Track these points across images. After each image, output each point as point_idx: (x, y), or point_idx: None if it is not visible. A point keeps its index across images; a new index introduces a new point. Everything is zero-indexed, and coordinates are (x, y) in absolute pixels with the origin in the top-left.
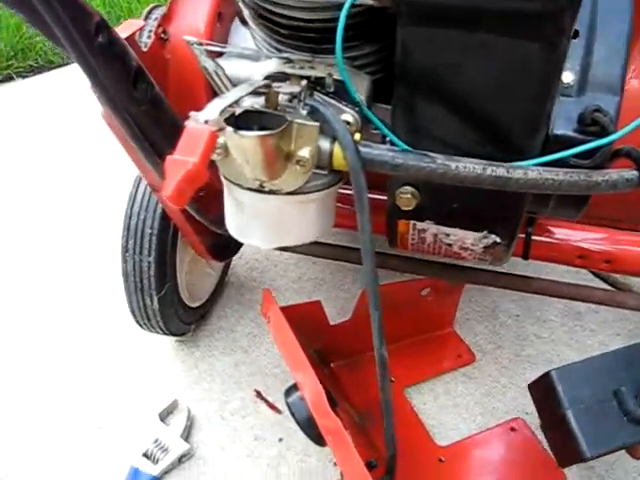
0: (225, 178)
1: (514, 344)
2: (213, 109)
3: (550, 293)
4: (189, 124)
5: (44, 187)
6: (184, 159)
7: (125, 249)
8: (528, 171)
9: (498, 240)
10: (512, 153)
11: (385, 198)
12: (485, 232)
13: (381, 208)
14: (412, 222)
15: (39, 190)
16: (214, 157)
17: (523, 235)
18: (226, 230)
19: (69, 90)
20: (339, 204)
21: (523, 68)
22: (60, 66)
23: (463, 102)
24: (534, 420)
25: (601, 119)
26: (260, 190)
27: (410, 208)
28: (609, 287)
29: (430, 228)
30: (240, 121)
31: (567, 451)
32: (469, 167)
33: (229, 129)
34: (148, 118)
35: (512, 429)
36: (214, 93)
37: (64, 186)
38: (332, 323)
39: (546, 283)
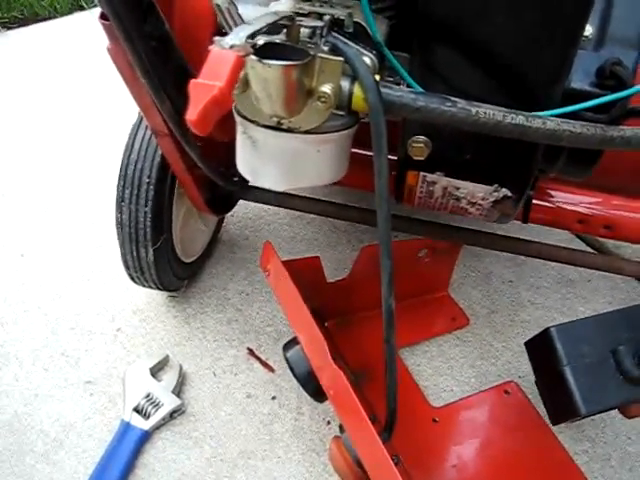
0: (240, 115)
1: (508, 309)
2: (240, 34)
3: (549, 257)
4: (214, 48)
5: (32, 139)
6: (210, 83)
7: (121, 199)
8: (547, 121)
9: (509, 194)
10: (531, 103)
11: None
12: (496, 185)
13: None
14: (422, 174)
15: (28, 142)
16: (234, 92)
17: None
18: (227, 182)
19: (54, 44)
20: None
21: (549, 13)
22: (46, 19)
23: (485, 48)
24: (527, 383)
25: (620, 72)
26: (278, 127)
27: (422, 158)
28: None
29: (440, 181)
30: (262, 53)
31: (562, 408)
32: (489, 113)
33: (253, 57)
34: (156, 56)
35: (505, 392)
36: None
37: (54, 138)
38: (328, 281)
39: (545, 247)
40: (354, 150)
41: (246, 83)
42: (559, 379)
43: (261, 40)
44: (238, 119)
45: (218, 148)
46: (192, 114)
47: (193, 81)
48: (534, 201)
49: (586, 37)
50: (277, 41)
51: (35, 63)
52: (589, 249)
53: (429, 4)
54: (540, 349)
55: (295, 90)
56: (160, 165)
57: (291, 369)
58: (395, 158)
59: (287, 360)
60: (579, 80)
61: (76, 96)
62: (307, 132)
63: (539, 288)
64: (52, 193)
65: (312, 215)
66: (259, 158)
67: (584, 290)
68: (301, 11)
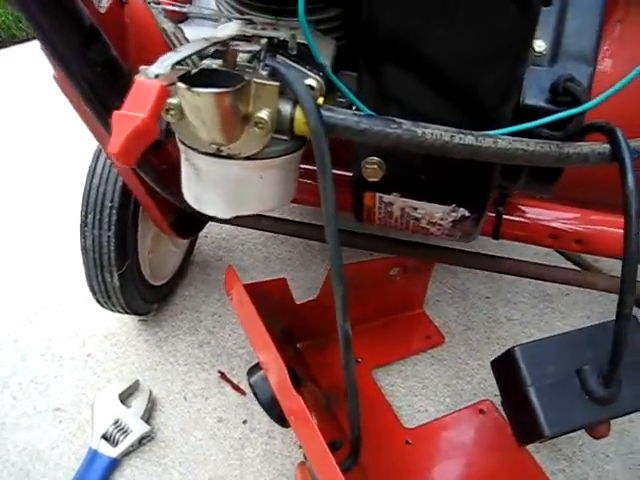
0: (181, 142)
1: (484, 326)
2: (164, 62)
3: (521, 273)
4: (138, 78)
5: (2, 161)
6: (132, 114)
7: (84, 223)
8: (498, 140)
9: (467, 214)
10: (481, 122)
11: (350, 174)
12: (454, 205)
13: (346, 184)
14: (378, 195)
15: None
16: (168, 119)
17: (493, 214)
18: (189, 205)
19: (32, 66)
20: (304, 180)
21: (495, 30)
22: (23, 41)
23: (431, 67)
24: None
25: (574, 89)
26: (217, 154)
27: (376, 179)
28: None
29: (397, 201)
30: (196, 80)
31: (527, 428)
32: (436, 134)
33: (182, 86)
34: (103, 81)
35: (481, 411)
36: None
37: (24, 161)
38: (299, 302)
39: (517, 263)
40: (306, 166)
41: (181, 111)
42: (524, 400)
43: (194, 68)
44: (180, 146)
45: (177, 170)
46: (114, 146)
47: (116, 112)
48: (504, 216)
49: (539, 53)
50: (213, 67)
51: (11, 85)
52: (563, 264)
53: (372, 21)
54: (505, 369)
55: (230, 117)
56: (122, 189)
57: (255, 394)
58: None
59: (251, 385)
60: (534, 96)
61: (48, 118)
62: (248, 158)
63: (516, 304)
64: (22, 215)
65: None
66: (202, 186)
67: (562, 304)
68: (245, 34)
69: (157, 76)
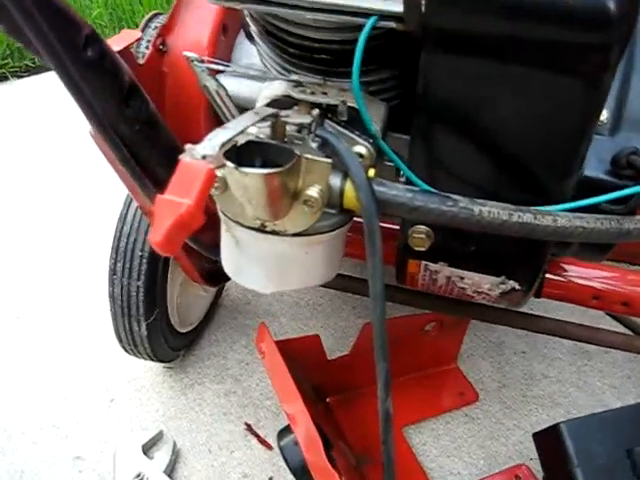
0: (223, 214)
1: (520, 383)
2: (213, 142)
3: (564, 335)
4: (184, 159)
5: (34, 194)
6: (177, 200)
7: (113, 272)
8: (557, 218)
9: (517, 287)
10: (540, 197)
11: (394, 226)
12: (503, 277)
13: (390, 236)
14: (424, 263)
15: (28, 197)
16: (212, 192)
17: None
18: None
19: (65, 93)
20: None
21: (560, 105)
22: None
23: (490, 139)
24: (540, 467)
25: (638, 162)
26: (262, 230)
27: (423, 249)
28: (624, 329)
29: (443, 270)
30: (242, 153)
31: None
32: (494, 212)
33: (230, 165)
34: (141, 138)
35: (516, 477)
36: (214, 113)
37: (54, 195)
38: (330, 358)
39: (559, 324)
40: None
41: (225, 184)
42: None
43: (241, 140)
44: (221, 217)
45: (211, 223)
46: (156, 236)
47: (159, 197)
48: (547, 275)
49: (601, 122)
50: (260, 139)
51: (43, 112)
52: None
53: (429, 88)
54: (549, 444)
55: (278, 195)
56: None
57: (285, 459)
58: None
59: (281, 449)
60: (593, 168)
61: (84, 153)
62: (294, 235)
63: (553, 360)
64: (50, 257)
65: None
66: (243, 259)
67: (601, 362)
68: (292, 96)
69: (204, 157)
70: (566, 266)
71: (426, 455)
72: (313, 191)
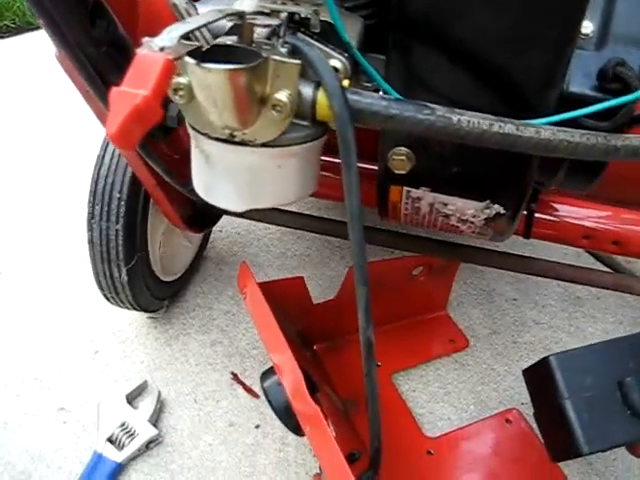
0: (190, 127)
1: (510, 329)
2: (171, 35)
3: (555, 276)
4: (140, 51)
5: (13, 145)
6: (132, 91)
7: (91, 215)
8: (540, 130)
9: (502, 211)
10: (522, 110)
11: (374, 167)
12: (488, 201)
13: (370, 178)
14: (406, 189)
15: (7, 148)
16: (176, 100)
17: (525, 212)
18: (202, 197)
19: (45, 52)
20: (325, 173)
21: (538, 7)
22: (39, 28)
23: (469, 49)
24: (531, 411)
25: (625, 74)
26: (230, 141)
27: (404, 172)
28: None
29: (426, 196)
30: (207, 57)
31: (562, 445)
32: (473, 121)
33: (192, 61)
34: (109, 61)
35: (507, 420)
36: None
37: (33, 149)
38: (316, 302)
39: (550, 265)
40: (327, 158)
41: (191, 92)
42: (559, 413)
43: (206, 44)
44: (189, 131)
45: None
46: (111, 127)
47: (114, 89)
48: (537, 215)
49: (586, 35)
50: (227, 43)
51: (24, 72)
52: (597, 265)
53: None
54: (539, 379)
55: (244, 98)
56: (132, 180)
57: (269, 401)
58: (372, 167)
59: (264, 391)
60: (578, 83)
61: (60, 106)
62: (264, 145)
63: (544, 306)
64: (29, 207)
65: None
66: (213, 175)
67: (593, 308)
68: (263, 10)
69: (162, 49)
70: (556, 205)
71: (416, 401)
72: (282, 95)
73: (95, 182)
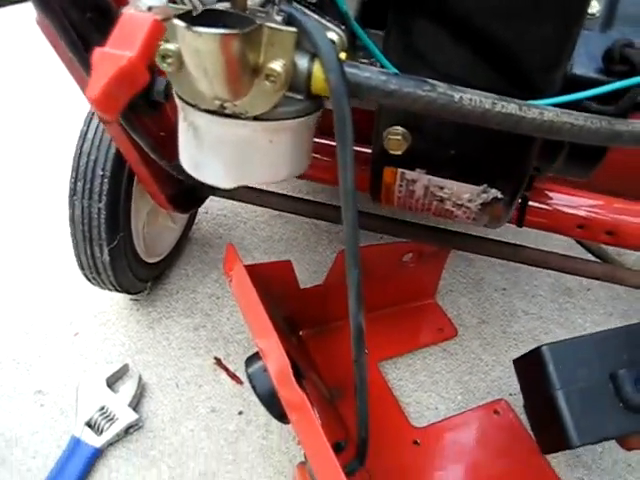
0: (179, 98)
1: (500, 319)
2: None
3: (545, 265)
4: (127, 11)
5: None
6: (117, 52)
7: (73, 192)
8: (544, 111)
9: (499, 195)
10: (524, 90)
11: (367, 150)
12: (485, 185)
13: (362, 161)
14: (400, 171)
15: None
16: (164, 67)
17: (518, 200)
18: (189, 176)
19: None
20: (317, 155)
21: None
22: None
23: (471, 23)
24: (519, 402)
25: (632, 55)
26: (221, 113)
27: (399, 153)
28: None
29: (421, 179)
30: (198, 21)
31: (552, 436)
32: (475, 100)
33: (181, 25)
34: (93, 27)
35: (495, 411)
36: None
37: (14, 122)
38: (303, 287)
39: (541, 253)
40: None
41: (180, 60)
42: (550, 404)
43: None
44: (177, 103)
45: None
46: (94, 90)
47: (97, 49)
48: (530, 203)
49: (592, 15)
50: (219, 8)
51: (4, 39)
52: (589, 256)
53: None
54: (530, 369)
55: (236, 66)
56: (115, 157)
57: (253, 387)
58: (370, 151)
59: (249, 377)
60: (583, 65)
61: (46, 78)
62: (256, 119)
63: (534, 297)
64: (10, 184)
65: (292, 214)
66: (202, 149)
67: (583, 300)
68: None
69: (150, 9)
70: (550, 193)
71: (402, 390)
72: (276, 65)
73: (77, 158)
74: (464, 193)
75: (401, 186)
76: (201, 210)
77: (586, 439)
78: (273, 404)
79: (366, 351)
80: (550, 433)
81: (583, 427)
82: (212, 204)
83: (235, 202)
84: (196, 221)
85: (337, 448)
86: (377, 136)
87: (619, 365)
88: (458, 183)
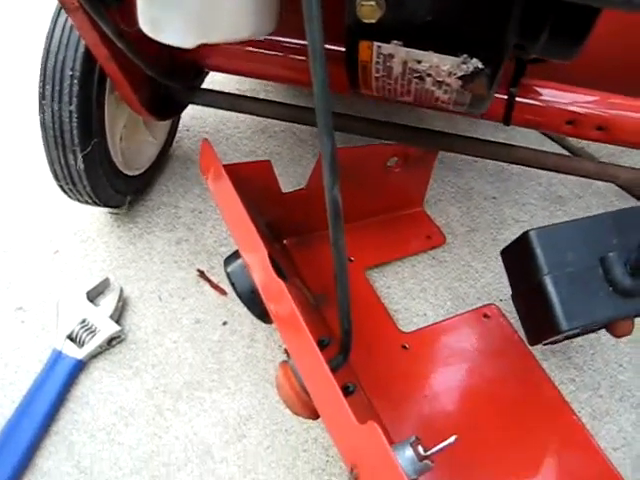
0: None
1: (490, 227)
2: None
3: (534, 164)
4: None
5: None
6: None
7: (42, 96)
8: None
9: (480, 66)
10: None
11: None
12: (465, 56)
13: (339, 60)
14: (376, 44)
15: None
16: None
17: (505, 96)
18: (167, 77)
19: None
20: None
21: None
22: None
23: None
24: (510, 307)
25: None
26: None
27: (374, 21)
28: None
29: (398, 52)
30: None
31: (541, 324)
32: None
33: None
34: None
35: (485, 316)
36: None
37: None
38: (285, 192)
39: (533, 152)
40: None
41: None
42: (538, 291)
43: None
44: None
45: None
46: None
47: None
48: (517, 99)
49: None
50: None
51: None
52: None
53: None
54: (517, 257)
55: None
56: (85, 56)
57: (232, 285)
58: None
59: (228, 275)
60: None
61: None
62: None
63: (524, 205)
64: None
65: (275, 128)
66: (160, 4)
67: (574, 207)
68: None
69: None
70: (538, 89)
71: (390, 298)
72: None
73: (45, 59)
74: (444, 65)
75: (378, 63)
76: (182, 127)
77: (574, 323)
78: (253, 302)
79: (352, 259)
80: (539, 320)
81: (572, 312)
82: (194, 122)
83: (217, 119)
84: (177, 139)
85: (320, 345)
86: (350, 4)
87: (608, 249)
88: (437, 54)
